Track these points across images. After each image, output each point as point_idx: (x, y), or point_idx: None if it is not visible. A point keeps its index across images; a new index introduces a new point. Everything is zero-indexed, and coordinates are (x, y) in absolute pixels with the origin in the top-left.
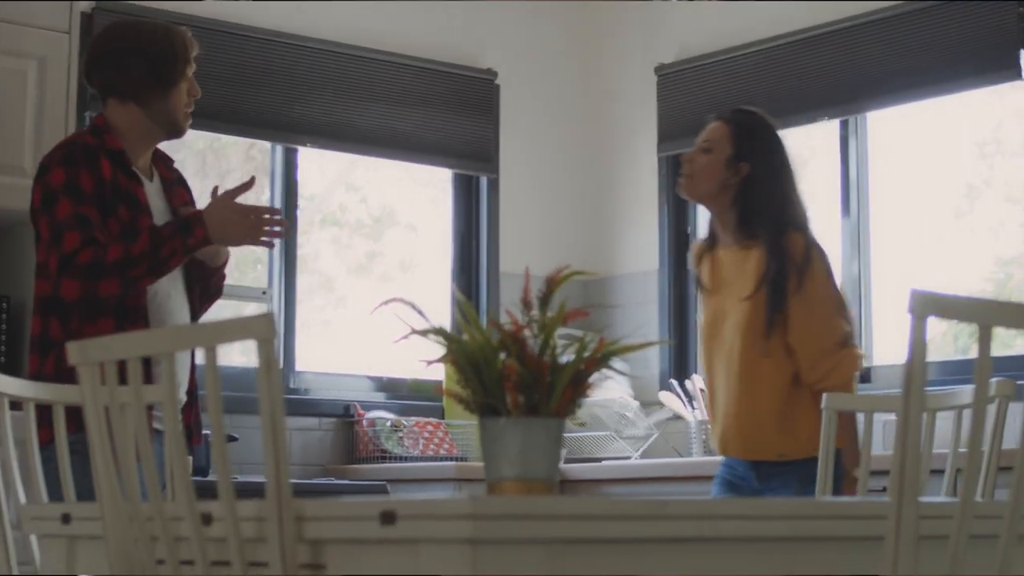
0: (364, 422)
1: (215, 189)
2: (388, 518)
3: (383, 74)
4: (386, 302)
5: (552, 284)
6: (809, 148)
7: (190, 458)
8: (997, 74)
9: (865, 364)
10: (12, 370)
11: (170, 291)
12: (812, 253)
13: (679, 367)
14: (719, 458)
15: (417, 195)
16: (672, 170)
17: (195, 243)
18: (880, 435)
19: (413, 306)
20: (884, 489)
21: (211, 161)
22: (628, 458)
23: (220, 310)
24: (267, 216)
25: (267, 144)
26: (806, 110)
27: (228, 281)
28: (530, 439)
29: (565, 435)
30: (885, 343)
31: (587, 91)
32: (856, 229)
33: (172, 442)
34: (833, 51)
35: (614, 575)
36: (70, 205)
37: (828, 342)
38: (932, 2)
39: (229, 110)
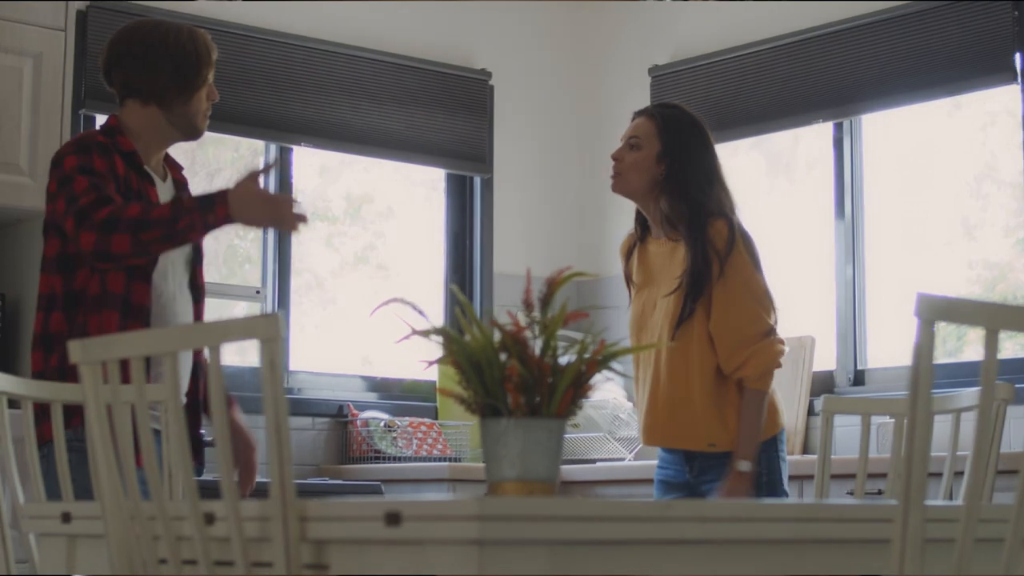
0: (358, 422)
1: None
2: (393, 519)
3: (377, 74)
4: (386, 302)
5: (553, 285)
6: (804, 150)
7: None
8: (992, 77)
9: (861, 366)
10: (8, 368)
11: (176, 293)
12: (736, 240)
13: None
14: None
15: (412, 194)
16: None
17: (215, 220)
18: (875, 438)
19: (414, 306)
20: (880, 492)
21: (200, 160)
22: (622, 459)
23: (213, 310)
24: (291, 202)
25: (259, 142)
26: (801, 112)
27: (222, 280)
28: (531, 440)
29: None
30: (879, 346)
31: (581, 92)
32: (850, 232)
33: (175, 441)
34: (828, 54)
35: None
36: (86, 179)
37: (747, 332)
38: (927, 4)
39: (224, 109)
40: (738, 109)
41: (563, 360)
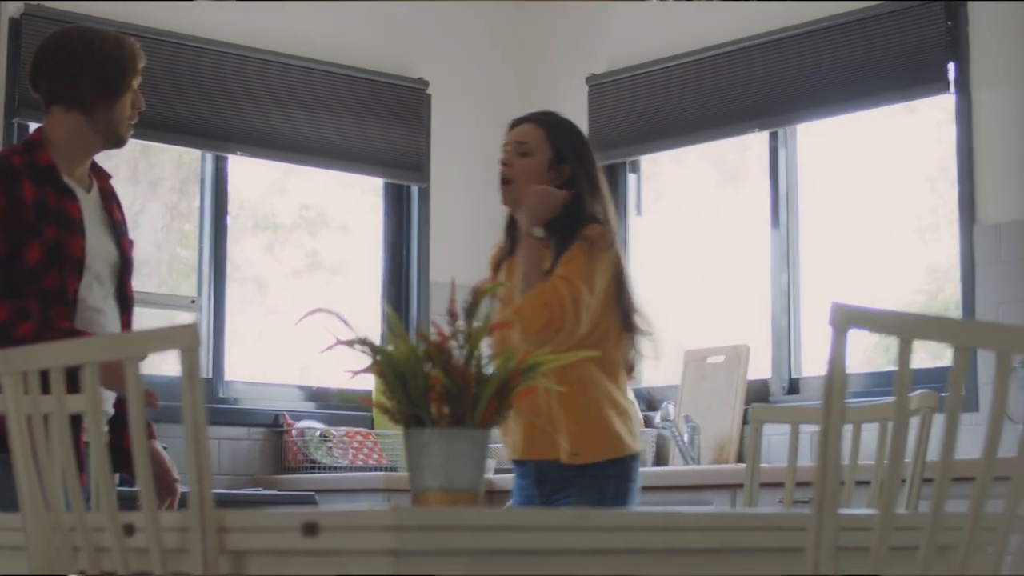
0: (293, 432)
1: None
2: (311, 530)
3: (314, 83)
4: (311, 312)
5: (478, 295)
6: (739, 160)
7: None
8: (926, 87)
9: (796, 375)
10: None
11: (100, 305)
12: (598, 243)
13: None
14: (649, 469)
15: (351, 201)
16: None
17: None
18: (807, 447)
19: (338, 316)
20: (810, 501)
21: (143, 168)
22: None
23: (149, 319)
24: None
25: (195, 151)
26: (736, 122)
27: (158, 289)
28: (455, 450)
29: (498, 445)
30: (812, 355)
31: (518, 101)
32: (785, 241)
33: (95, 451)
34: (764, 63)
35: None
36: None
37: (542, 295)
38: (862, 14)
39: (159, 118)
40: (674, 118)
41: (488, 370)
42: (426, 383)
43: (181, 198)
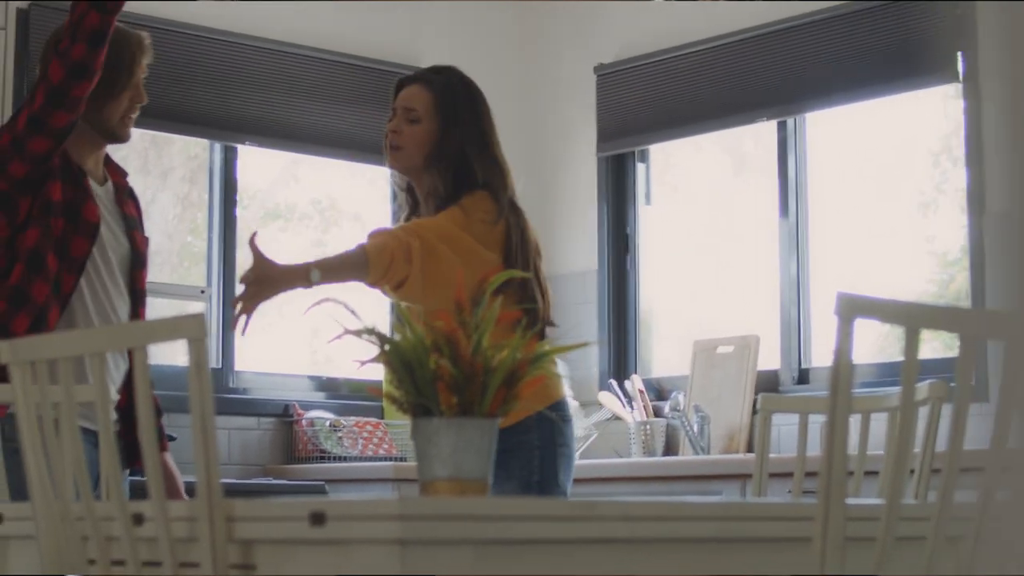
0: (303, 422)
1: None
2: (318, 519)
3: (322, 73)
4: (319, 302)
5: (485, 285)
6: (752, 149)
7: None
8: (935, 76)
9: (806, 365)
10: None
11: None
12: (472, 211)
13: (618, 368)
14: (659, 459)
15: (362, 191)
16: (612, 170)
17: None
18: (816, 437)
19: (346, 306)
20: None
21: (153, 158)
22: None
23: (160, 309)
24: None
25: (204, 141)
26: (745, 111)
27: (171, 278)
28: (463, 439)
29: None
30: (822, 345)
31: (526, 91)
32: (794, 230)
33: (104, 441)
34: (772, 52)
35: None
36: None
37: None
38: (871, 4)
39: (168, 108)
40: (683, 108)
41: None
42: (434, 372)
43: (192, 188)
